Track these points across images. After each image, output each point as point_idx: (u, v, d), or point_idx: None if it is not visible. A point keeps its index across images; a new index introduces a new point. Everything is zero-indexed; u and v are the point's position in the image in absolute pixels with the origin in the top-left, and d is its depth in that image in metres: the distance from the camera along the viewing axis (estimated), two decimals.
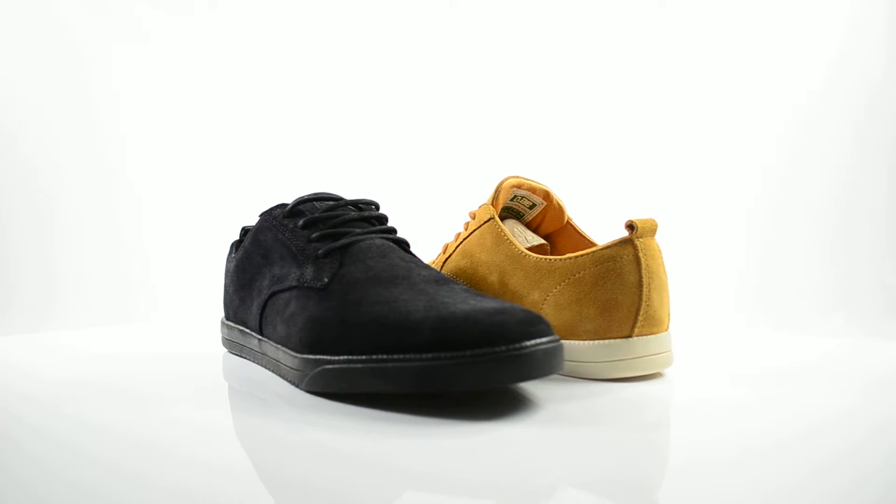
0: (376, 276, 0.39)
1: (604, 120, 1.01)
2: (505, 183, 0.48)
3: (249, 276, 0.47)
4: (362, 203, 0.47)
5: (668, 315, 0.42)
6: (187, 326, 0.70)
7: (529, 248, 0.49)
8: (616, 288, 0.40)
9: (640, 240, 0.40)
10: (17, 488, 0.26)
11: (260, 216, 0.47)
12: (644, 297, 0.40)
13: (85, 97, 0.96)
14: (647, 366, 0.40)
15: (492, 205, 0.48)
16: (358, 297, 0.38)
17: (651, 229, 0.40)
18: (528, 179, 0.49)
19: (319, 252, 0.42)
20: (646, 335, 0.40)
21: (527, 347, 0.32)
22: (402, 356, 0.33)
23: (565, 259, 0.42)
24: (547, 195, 0.50)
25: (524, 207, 0.51)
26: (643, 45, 1.00)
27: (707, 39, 0.98)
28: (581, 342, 0.41)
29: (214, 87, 1.00)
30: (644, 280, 0.40)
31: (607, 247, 0.40)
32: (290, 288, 0.42)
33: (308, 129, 1.01)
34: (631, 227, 0.40)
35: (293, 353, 0.40)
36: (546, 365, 0.33)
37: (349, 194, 0.49)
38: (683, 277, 0.89)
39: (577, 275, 0.41)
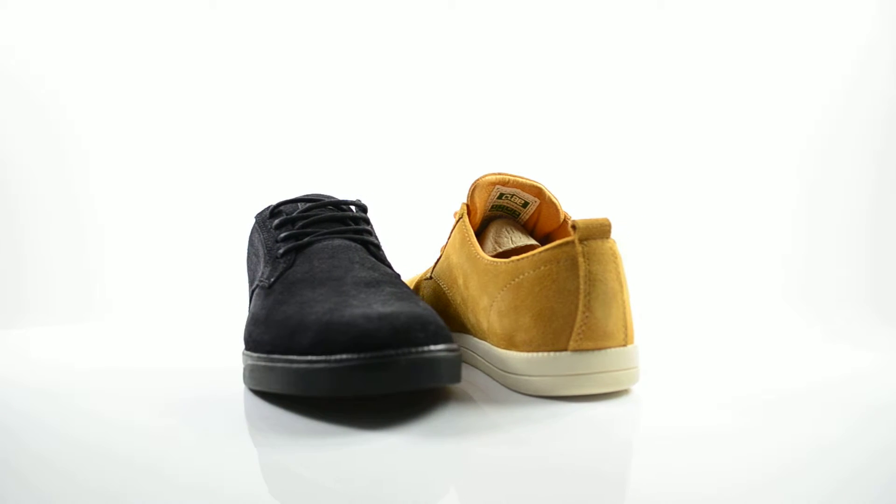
0: (312, 276, 0.40)
1: (611, 122, 1.01)
2: (481, 180, 0.45)
3: (251, 275, 0.51)
4: (344, 203, 0.48)
5: (625, 328, 0.36)
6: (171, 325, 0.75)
7: (516, 250, 0.46)
8: (552, 295, 0.36)
9: (584, 243, 0.35)
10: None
11: (255, 217, 0.50)
12: (582, 307, 0.35)
13: (58, 97, 0.97)
14: (590, 384, 0.36)
15: (467, 203, 0.46)
16: (285, 297, 0.39)
17: (600, 231, 0.35)
18: (514, 176, 0.46)
19: (279, 252, 0.43)
20: (586, 350, 0.35)
21: (389, 356, 0.31)
22: (287, 357, 0.34)
23: (508, 262, 0.38)
24: (539, 192, 0.46)
25: (517, 206, 0.48)
26: (643, 44, 1.00)
27: (708, 38, 0.98)
28: (518, 353, 0.37)
29: (205, 87, 1.04)
30: (583, 287, 0.35)
31: (547, 249, 0.36)
32: (254, 287, 0.44)
33: (309, 130, 1.04)
34: (574, 227, 0.36)
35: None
36: (411, 377, 0.31)
37: (362, 196, 0.51)
38: (681, 285, 0.91)
39: (516, 279, 0.37)
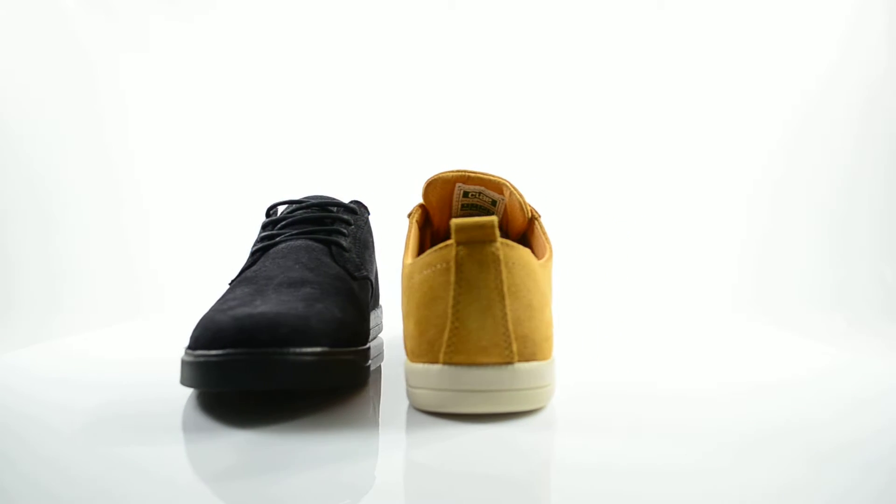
0: (254, 276, 0.42)
1: (602, 124, 1.02)
2: (435, 177, 0.43)
3: None
4: (331, 205, 0.50)
5: (508, 344, 0.32)
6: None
7: None
8: (428, 302, 0.33)
9: (462, 246, 0.32)
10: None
11: None
12: (451, 317, 0.32)
13: (89, 100, 0.99)
14: (466, 403, 0.32)
15: (423, 203, 0.44)
16: (225, 296, 0.42)
17: (480, 233, 0.32)
18: (475, 172, 0.43)
19: (251, 252, 0.47)
20: (457, 364, 0.32)
21: (215, 356, 0.32)
22: (185, 352, 0.37)
23: (408, 265, 0.36)
24: (502, 188, 0.43)
25: (487, 204, 0.45)
26: (640, 44, 1.01)
27: (700, 39, 0.99)
28: (407, 363, 0.35)
29: (220, 90, 1.06)
30: (453, 295, 0.32)
31: (430, 252, 0.34)
32: None
33: (311, 131, 1.05)
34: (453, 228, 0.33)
35: None
36: (247, 377, 0.32)
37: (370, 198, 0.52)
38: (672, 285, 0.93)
39: (409, 283, 0.35)
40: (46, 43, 0.94)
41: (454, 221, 0.32)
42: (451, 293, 0.32)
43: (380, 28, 1.07)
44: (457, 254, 0.32)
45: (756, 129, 0.96)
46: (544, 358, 0.34)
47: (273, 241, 0.46)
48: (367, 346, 0.41)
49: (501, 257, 0.32)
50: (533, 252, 0.42)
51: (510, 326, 0.32)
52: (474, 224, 0.32)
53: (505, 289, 0.32)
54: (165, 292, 0.94)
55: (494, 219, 0.32)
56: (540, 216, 0.43)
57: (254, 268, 0.44)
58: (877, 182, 0.87)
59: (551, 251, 0.40)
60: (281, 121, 1.07)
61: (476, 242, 0.32)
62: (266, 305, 0.36)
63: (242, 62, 1.07)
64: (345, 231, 0.48)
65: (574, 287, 0.87)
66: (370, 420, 0.35)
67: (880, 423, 0.34)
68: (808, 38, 0.93)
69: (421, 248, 0.44)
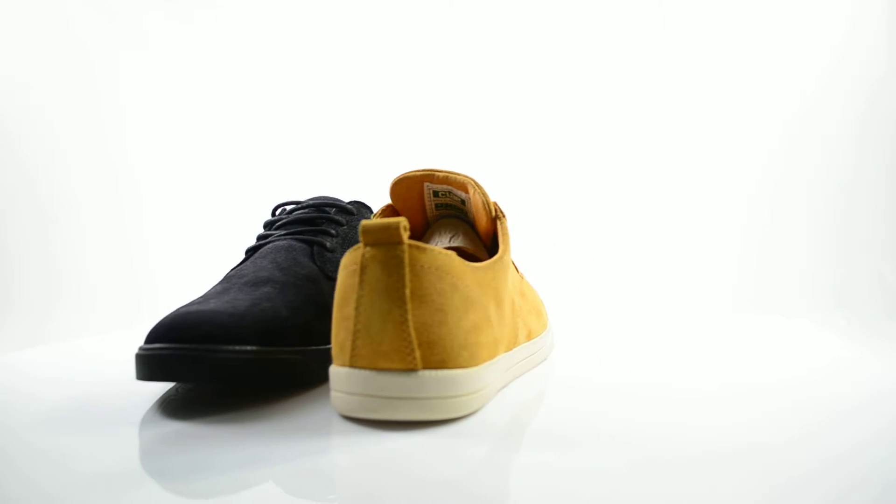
0: (233, 275, 0.44)
1: (605, 124, 1.01)
2: (399, 177, 0.43)
3: None
4: (326, 205, 0.51)
5: (411, 350, 0.31)
6: None
7: None
8: (340, 304, 0.33)
9: (367, 248, 0.32)
10: None
11: None
12: (355, 320, 0.31)
13: (88, 101, 0.95)
14: (368, 408, 0.31)
15: (391, 203, 0.43)
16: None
17: (385, 235, 0.31)
18: (441, 171, 0.42)
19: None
20: (362, 368, 0.31)
21: (145, 350, 0.34)
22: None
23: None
24: (466, 187, 0.41)
25: (458, 203, 0.43)
26: (639, 43, 1.00)
27: (699, 37, 0.98)
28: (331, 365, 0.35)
29: (219, 92, 1.04)
30: (357, 297, 0.31)
31: (348, 252, 0.33)
32: None
33: (317, 132, 1.03)
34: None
35: None
36: (163, 370, 0.33)
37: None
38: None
39: (338, 284, 0.35)
40: (46, 43, 0.91)
41: (363, 222, 0.31)
42: (356, 295, 0.31)
43: (384, 25, 1.06)
44: (363, 256, 0.31)
45: (755, 128, 0.95)
46: (460, 366, 0.32)
47: (265, 241, 0.48)
48: (327, 346, 0.41)
49: (406, 260, 0.31)
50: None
51: (412, 332, 0.31)
52: (380, 225, 0.31)
53: (408, 292, 0.31)
54: (166, 293, 0.88)
55: (402, 220, 0.31)
56: (504, 216, 0.41)
57: (238, 266, 0.46)
58: (877, 181, 0.85)
59: (503, 254, 0.38)
60: (283, 122, 1.06)
61: (382, 244, 0.31)
62: (213, 304, 0.37)
63: (242, 62, 1.05)
64: (333, 232, 0.48)
65: (573, 287, 0.90)
66: (297, 424, 0.34)
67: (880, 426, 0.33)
68: (807, 38, 0.92)
69: None
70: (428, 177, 0.42)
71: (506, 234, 0.40)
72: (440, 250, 0.32)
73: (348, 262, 0.33)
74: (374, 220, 0.31)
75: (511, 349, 0.40)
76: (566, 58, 1.02)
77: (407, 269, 0.31)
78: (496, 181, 1.00)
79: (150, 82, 1.01)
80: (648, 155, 0.99)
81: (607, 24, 1.01)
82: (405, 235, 0.31)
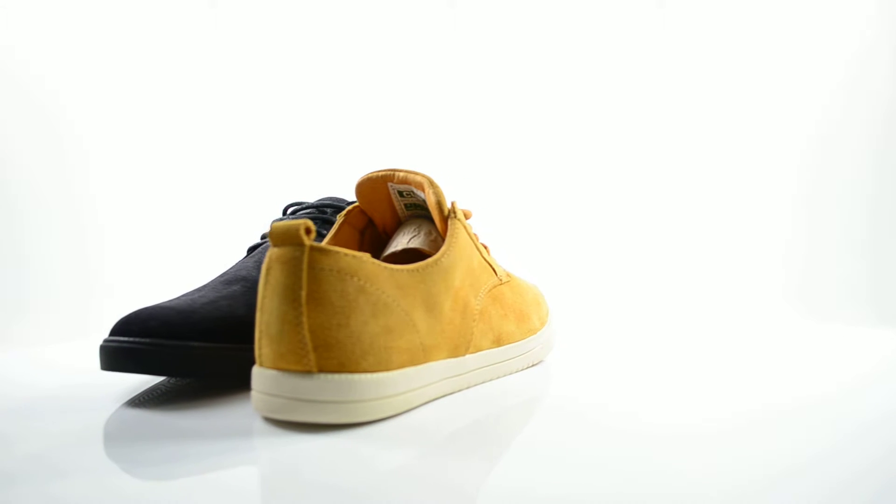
0: (222, 274, 0.47)
1: (623, 125, 1.01)
2: (364, 178, 0.42)
3: None
4: (326, 206, 0.52)
5: (305, 352, 0.30)
6: None
7: (395, 254, 0.41)
8: (257, 303, 0.34)
9: (273, 248, 0.32)
10: None
11: None
12: (259, 320, 0.32)
13: (59, 102, 0.91)
14: (271, 407, 0.31)
15: (358, 204, 0.43)
16: None
17: (286, 236, 0.31)
18: (401, 170, 0.41)
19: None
20: (265, 368, 0.32)
21: (106, 342, 0.37)
22: None
23: None
24: (422, 186, 0.40)
25: (422, 203, 0.42)
26: (638, 44, 1.00)
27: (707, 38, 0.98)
28: None
29: (223, 91, 1.02)
30: (262, 298, 0.32)
31: (267, 252, 0.34)
32: None
33: (326, 133, 1.02)
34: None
35: None
36: (109, 361, 0.36)
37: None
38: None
39: None
40: (45, 43, 0.89)
41: (271, 223, 0.32)
42: (261, 296, 0.32)
43: (393, 25, 1.05)
44: (269, 257, 0.32)
45: (781, 130, 0.94)
46: (364, 370, 0.31)
47: (258, 243, 0.50)
48: None
49: (305, 262, 0.31)
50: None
51: (307, 334, 0.30)
52: (283, 227, 0.31)
53: (304, 294, 0.31)
54: (171, 294, 0.94)
55: (305, 222, 0.31)
56: (461, 217, 0.39)
57: (235, 264, 0.48)
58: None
59: (440, 256, 0.36)
60: (287, 122, 1.05)
61: (285, 245, 0.31)
62: (179, 301, 0.40)
63: (242, 62, 1.04)
64: (325, 233, 0.49)
65: (577, 288, 0.92)
66: (220, 423, 0.35)
67: None
68: (839, 35, 0.90)
69: (358, 249, 0.44)
70: (389, 177, 0.42)
71: (455, 236, 0.38)
72: (346, 252, 0.32)
73: (264, 264, 0.33)
74: (282, 222, 0.31)
75: (461, 355, 0.39)
76: (578, 57, 1.02)
77: (305, 272, 0.31)
78: (506, 182, 1.01)
79: (152, 83, 0.98)
80: (667, 156, 1.00)
81: (615, 27, 1.02)
82: (306, 238, 0.31)
